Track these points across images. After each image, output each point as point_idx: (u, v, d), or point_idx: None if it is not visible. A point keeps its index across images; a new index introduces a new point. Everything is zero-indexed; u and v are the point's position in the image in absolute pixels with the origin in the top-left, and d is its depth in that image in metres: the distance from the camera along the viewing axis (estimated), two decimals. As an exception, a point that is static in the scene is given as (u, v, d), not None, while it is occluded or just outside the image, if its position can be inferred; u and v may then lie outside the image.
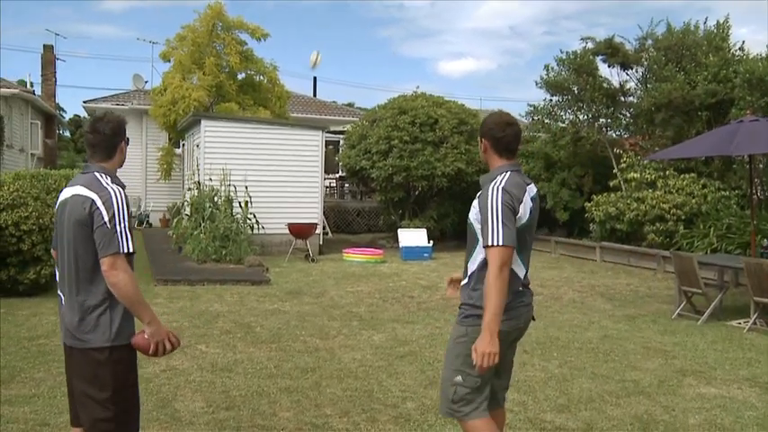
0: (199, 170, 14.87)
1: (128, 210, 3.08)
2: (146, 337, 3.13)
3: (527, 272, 3.46)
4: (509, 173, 3.34)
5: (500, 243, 3.12)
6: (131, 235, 3.09)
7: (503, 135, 3.39)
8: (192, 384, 5.77)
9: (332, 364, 6.49)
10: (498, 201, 3.19)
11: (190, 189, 15.49)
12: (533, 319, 3.57)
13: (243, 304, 9.39)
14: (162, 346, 3.17)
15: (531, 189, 3.42)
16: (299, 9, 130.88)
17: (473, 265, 3.38)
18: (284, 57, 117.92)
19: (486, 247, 3.19)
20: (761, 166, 13.73)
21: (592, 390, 5.84)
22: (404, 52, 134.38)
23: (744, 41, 25.20)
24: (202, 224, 13.47)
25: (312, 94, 37.66)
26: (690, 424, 5.12)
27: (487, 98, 70.61)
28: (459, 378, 3.34)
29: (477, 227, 3.30)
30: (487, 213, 3.19)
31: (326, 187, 24.88)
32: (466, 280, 3.44)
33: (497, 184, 3.27)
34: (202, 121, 15.00)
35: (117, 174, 3.26)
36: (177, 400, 5.34)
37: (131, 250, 3.07)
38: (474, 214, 3.35)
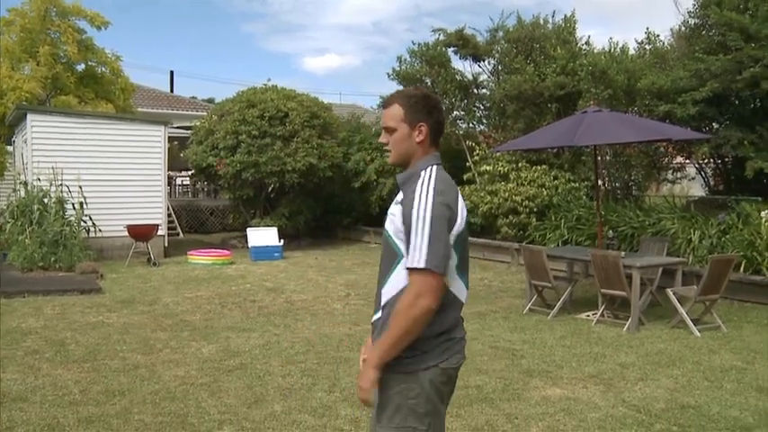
0: (26, 169, 13.52)
1: None
2: None
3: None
4: (435, 166, 2.62)
5: (424, 265, 2.36)
6: None
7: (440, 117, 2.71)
8: (-31, 422, 4.87)
9: (149, 385, 5.74)
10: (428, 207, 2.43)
11: (16, 190, 14.07)
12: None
13: (63, 318, 8.39)
14: None
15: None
16: (159, 2, 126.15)
17: (389, 293, 2.53)
18: (144, 52, 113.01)
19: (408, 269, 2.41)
20: (607, 157, 13.97)
21: (432, 399, 5.39)
22: (268, 48, 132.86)
23: (590, 36, 26.08)
24: (28, 228, 12.21)
25: (169, 90, 36.15)
26: (531, 433, 4.78)
27: (347, 93, 70.46)
28: None
29: (398, 241, 2.50)
30: (411, 224, 2.41)
31: (179, 185, 23.74)
32: (379, 314, 2.59)
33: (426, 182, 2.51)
34: (29, 115, 13.59)
35: None
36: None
37: None
38: (393, 223, 2.53)
